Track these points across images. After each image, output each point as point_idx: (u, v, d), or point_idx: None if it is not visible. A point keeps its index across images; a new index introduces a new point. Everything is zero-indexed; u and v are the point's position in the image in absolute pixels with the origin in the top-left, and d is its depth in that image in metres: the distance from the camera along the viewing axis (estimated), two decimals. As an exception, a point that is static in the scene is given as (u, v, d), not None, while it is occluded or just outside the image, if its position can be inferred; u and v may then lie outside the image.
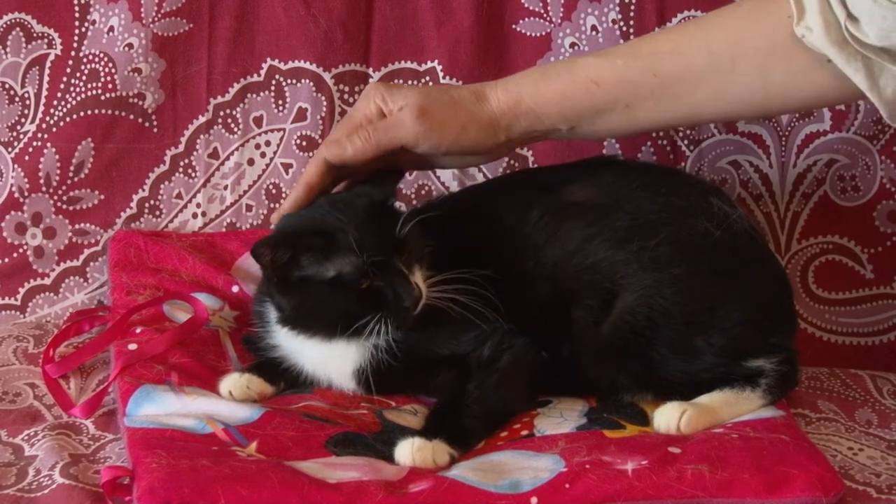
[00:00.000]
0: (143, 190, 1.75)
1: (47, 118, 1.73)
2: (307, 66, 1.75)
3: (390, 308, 1.39)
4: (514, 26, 1.75)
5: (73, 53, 1.73)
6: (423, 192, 1.76)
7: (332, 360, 1.45)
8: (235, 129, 1.75)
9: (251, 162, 1.76)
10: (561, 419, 1.42)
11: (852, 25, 1.32)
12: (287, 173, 1.75)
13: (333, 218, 1.40)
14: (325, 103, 1.75)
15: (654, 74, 1.42)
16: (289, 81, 1.75)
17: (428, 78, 1.75)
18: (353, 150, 1.46)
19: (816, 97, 1.42)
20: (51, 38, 1.73)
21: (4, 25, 1.73)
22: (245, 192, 1.75)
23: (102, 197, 1.74)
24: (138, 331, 1.53)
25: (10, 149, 1.73)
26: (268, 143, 1.76)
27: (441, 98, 1.46)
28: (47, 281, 1.73)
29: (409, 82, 1.75)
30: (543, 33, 1.75)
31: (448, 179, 1.76)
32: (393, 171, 1.47)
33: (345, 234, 1.38)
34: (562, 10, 1.74)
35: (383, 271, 1.38)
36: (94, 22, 1.73)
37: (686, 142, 1.74)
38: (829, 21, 1.33)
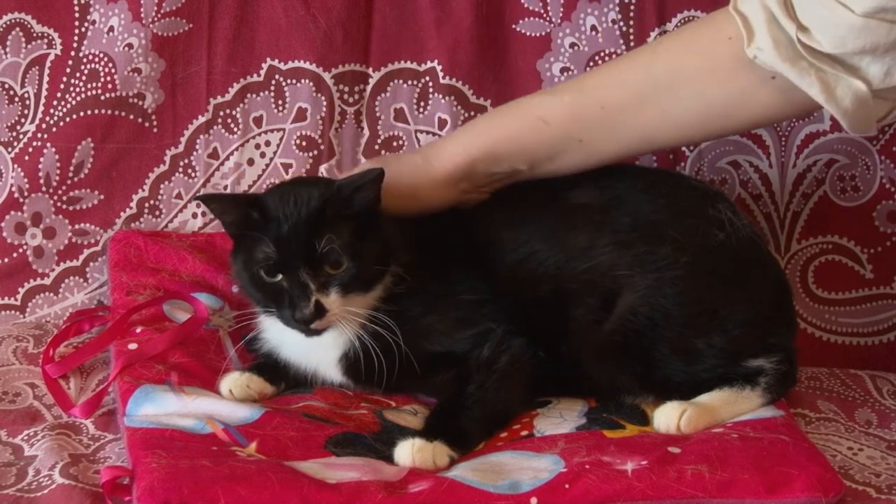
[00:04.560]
0: (143, 190, 1.75)
1: (47, 118, 1.73)
2: (307, 66, 1.74)
3: (285, 312, 1.39)
4: (513, 26, 1.75)
5: (72, 53, 1.73)
6: (422, 192, 1.76)
7: (315, 349, 1.45)
8: (235, 129, 1.75)
9: (251, 162, 1.76)
10: (560, 419, 1.42)
11: (804, 36, 1.33)
12: (287, 173, 1.75)
13: (286, 203, 1.39)
14: (324, 103, 1.75)
15: (601, 107, 1.44)
16: (288, 81, 1.75)
17: (428, 78, 1.75)
18: None
19: (761, 115, 1.43)
20: (51, 37, 1.73)
21: (4, 25, 1.73)
22: (245, 192, 1.75)
23: (102, 197, 1.74)
24: (138, 330, 1.53)
25: (9, 149, 1.73)
26: (267, 143, 1.76)
27: (392, 157, 1.50)
28: (47, 281, 1.73)
29: (409, 82, 1.75)
30: (543, 33, 1.75)
31: (448, 179, 1.76)
32: (375, 169, 1.45)
33: (278, 225, 1.38)
34: (561, 10, 1.74)
35: (291, 278, 1.38)
36: (93, 22, 1.73)
37: (686, 142, 1.74)
38: (778, 39, 1.34)
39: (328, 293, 1.38)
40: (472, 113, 1.75)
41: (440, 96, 1.75)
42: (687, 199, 1.48)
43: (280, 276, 1.38)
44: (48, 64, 1.73)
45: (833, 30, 1.31)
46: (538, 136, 1.46)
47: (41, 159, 1.73)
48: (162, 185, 1.75)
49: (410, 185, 1.47)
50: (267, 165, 1.75)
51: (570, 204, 1.48)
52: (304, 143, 1.75)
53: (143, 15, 1.72)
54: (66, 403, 1.46)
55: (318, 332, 1.40)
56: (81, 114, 1.73)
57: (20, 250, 1.73)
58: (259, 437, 1.34)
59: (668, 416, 1.39)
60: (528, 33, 1.75)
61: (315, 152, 1.75)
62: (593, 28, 1.74)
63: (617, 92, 1.44)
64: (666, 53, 1.44)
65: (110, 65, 1.73)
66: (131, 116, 1.74)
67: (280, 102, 1.75)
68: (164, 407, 1.38)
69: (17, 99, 1.73)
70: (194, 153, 1.75)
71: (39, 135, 1.73)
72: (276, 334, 1.47)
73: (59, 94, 1.73)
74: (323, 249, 1.37)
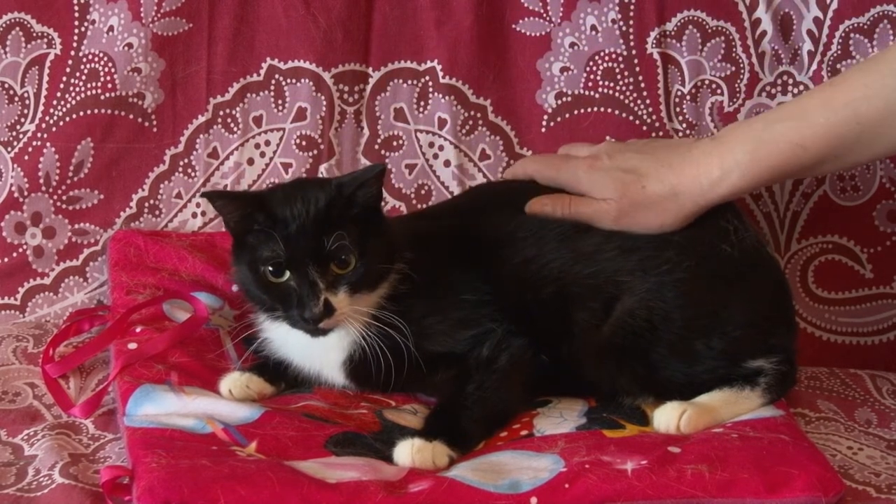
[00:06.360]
0: (143, 189, 1.75)
1: (47, 118, 1.73)
2: (307, 65, 1.75)
3: (293, 312, 1.38)
4: (513, 26, 1.75)
5: (72, 53, 1.73)
6: (422, 191, 1.76)
7: (318, 352, 1.45)
8: (235, 129, 1.75)
9: (251, 161, 1.76)
10: (560, 419, 1.42)
11: None
12: (287, 173, 1.75)
13: (293, 204, 1.39)
14: (324, 103, 1.75)
15: (856, 123, 1.42)
16: (288, 81, 1.75)
17: (428, 77, 1.75)
18: (549, 212, 1.49)
19: None
20: (50, 37, 1.73)
21: (4, 25, 1.73)
22: (247, 189, 1.75)
23: (102, 196, 1.74)
24: (138, 330, 1.53)
25: (9, 148, 1.73)
26: (267, 143, 1.76)
27: (642, 201, 1.46)
28: (47, 280, 1.73)
29: (409, 82, 1.75)
30: (543, 33, 1.75)
31: (448, 179, 1.76)
32: (377, 165, 1.45)
33: (286, 224, 1.37)
34: (561, 9, 1.74)
35: (299, 276, 1.37)
36: (93, 21, 1.73)
37: (686, 141, 1.74)
38: None
39: (337, 292, 1.38)
40: (472, 112, 1.75)
41: (440, 96, 1.75)
42: None
43: (287, 276, 1.38)
44: (48, 63, 1.73)
45: None
46: (797, 161, 1.44)
47: (41, 159, 1.73)
48: (162, 185, 1.75)
49: (661, 218, 1.46)
50: (267, 165, 1.75)
51: None
52: (303, 143, 1.75)
53: (142, 14, 1.72)
54: (65, 403, 1.46)
55: (324, 332, 1.40)
56: (81, 113, 1.73)
57: (20, 250, 1.73)
58: (259, 437, 1.34)
59: (668, 416, 1.39)
60: (528, 33, 1.75)
61: (315, 152, 1.75)
62: (593, 28, 1.74)
63: (871, 105, 1.42)
64: None
65: (110, 64, 1.73)
66: (131, 116, 1.74)
67: (280, 102, 1.75)
68: (164, 406, 1.38)
69: (16, 99, 1.73)
70: (194, 153, 1.75)
71: (39, 134, 1.73)
72: (279, 337, 1.46)
73: (58, 94, 1.73)
74: (331, 247, 1.37)
